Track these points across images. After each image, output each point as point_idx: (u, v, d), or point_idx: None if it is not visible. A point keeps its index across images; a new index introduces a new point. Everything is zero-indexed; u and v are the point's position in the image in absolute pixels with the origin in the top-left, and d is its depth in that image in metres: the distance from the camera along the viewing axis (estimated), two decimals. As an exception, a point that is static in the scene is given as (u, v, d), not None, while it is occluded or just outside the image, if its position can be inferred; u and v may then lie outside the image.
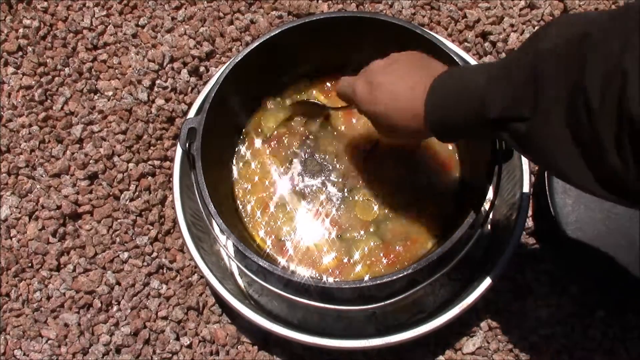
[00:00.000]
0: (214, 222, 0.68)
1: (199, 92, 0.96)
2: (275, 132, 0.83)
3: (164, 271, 0.88)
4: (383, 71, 0.61)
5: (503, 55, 0.97)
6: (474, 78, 0.51)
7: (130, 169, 0.93)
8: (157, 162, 0.94)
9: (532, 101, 0.45)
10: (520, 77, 0.46)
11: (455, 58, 0.71)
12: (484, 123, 0.50)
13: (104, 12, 1.04)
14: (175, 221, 0.89)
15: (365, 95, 0.61)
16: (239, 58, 0.75)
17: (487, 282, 0.75)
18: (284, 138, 0.83)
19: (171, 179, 0.87)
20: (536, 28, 0.99)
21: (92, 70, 1.00)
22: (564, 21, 0.46)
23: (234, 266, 0.86)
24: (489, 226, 0.85)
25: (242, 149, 0.84)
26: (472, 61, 0.88)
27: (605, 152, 0.39)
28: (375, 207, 0.77)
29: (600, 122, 0.38)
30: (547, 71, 0.43)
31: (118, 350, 0.83)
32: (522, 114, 0.46)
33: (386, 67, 0.61)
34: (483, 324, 0.82)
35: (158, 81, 0.97)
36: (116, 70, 1.00)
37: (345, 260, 0.75)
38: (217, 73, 0.86)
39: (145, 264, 0.88)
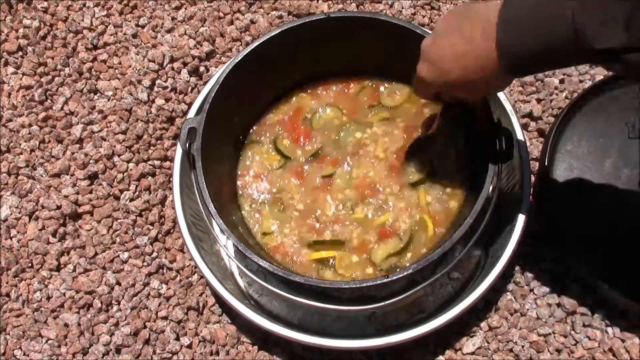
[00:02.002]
0: (214, 222, 0.68)
1: (199, 92, 0.96)
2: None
3: (164, 271, 0.88)
4: (434, 44, 0.60)
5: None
6: (556, 4, 0.49)
7: (130, 169, 0.93)
8: (157, 162, 0.94)
9: None
10: (629, 5, 0.44)
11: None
12: (580, 54, 0.48)
13: (104, 12, 1.04)
14: (175, 221, 0.89)
15: (433, 74, 0.61)
16: (239, 58, 0.75)
17: (487, 282, 0.75)
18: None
19: (171, 179, 0.87)
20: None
21: (92, 70, 1.00)
22: None
23: (234, 266, 0.86)
24: (489, 226, 0.85)
25: (243, 148, 0.84)
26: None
27: None
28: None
29: None
30: None
31: (118, 350, 0.83)
32: None
33: (435, 40, 0.61)
34: (483, 324, 0.82)
35: (158, 81, 0.97)
36: (116, 70, 1.00)
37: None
38: (217, 73, 0.86)
39: (145, 264, 0.88)
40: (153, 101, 0.97)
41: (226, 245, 0.81)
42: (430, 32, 0.74)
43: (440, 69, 0.60)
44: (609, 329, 0.81)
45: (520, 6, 0.52)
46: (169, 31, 1.02)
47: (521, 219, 0.78)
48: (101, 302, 0.85)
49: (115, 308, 0.85)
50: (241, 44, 1.01)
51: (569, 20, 0.47)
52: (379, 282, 0.64)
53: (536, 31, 0.50)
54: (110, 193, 0.91)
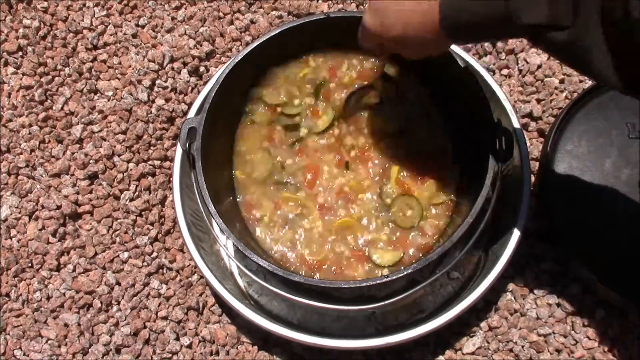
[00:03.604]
0: (214, 222, 0.68)
1: (199, 92, 0.96)
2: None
3: (164, 271, 0.88)
4: None
5: (503, 55, 0.97)
6: None
7: (130, 169, 0.93)
8: (157, 162, 0.94)
9: (571, 10, 0.47)
10: None
11: (454, 57, 0.71)
12: (511, 27, 0.51)
13: (104, 12, 1.04)
14: (175, 221, 0.89)
15: (377, 25, 0.62)
16: (239, 58, 0.75)
17: (487, 282, 0.75)
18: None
19: (171, 179, 0.87)
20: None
21: (92, 70, 1.00)
22: None
23: (234, 266, 0.86)
24: (489, 225, 0.85)
25: (243, 148, 0.84)
26: (472, 61, 0.88)
27: (637, 56, 0.43)
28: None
29: (637, 29, 0.42)
30: None
31: (118, 350, 0.83)
32: (562, 23, 0.48)
33: None
34: (483, 324, 0.82)
35: (158, 81, 0.98)
36: (116, 70, 1.00)
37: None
38: (217, 73, 0.86)
39: (145, 264, 0.88)
40: (153, 101, 0.97)
41: (226, 245, 0.81)
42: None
43: (384, 23, 0.61)
44: (609, 329, 0.81)
45: None
46: (169, 31, 1.02)
47: (521, 219, 0.78)
48: (101, 302, 0.85)
49: (115, 308, 0.85)
50: (241, 44, 1.01)
51: None
52: (378, 281, 0.64)
53: (474, 2, 0.53)
54: (110, 193, 0.91)
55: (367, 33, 0.64)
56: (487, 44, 0.97)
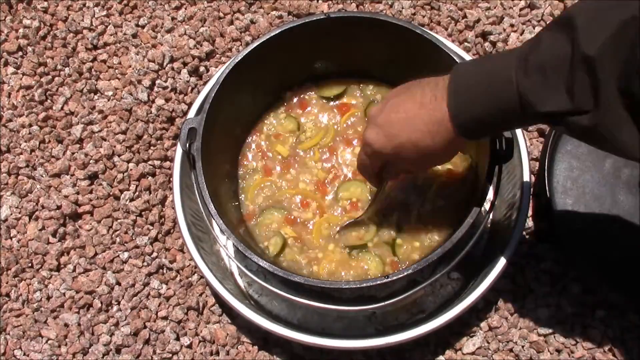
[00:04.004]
0: (214, 222, 0.68)
1: (199, 92, 0.96)
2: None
3: (164, 271, 0.88)
4: (383, 110, 0.61)
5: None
6: (501, 70, 0.51)
7: (130, 169, 0.93)
8: (157, 162, 0.94)
9: (591, 94, 0.45)
10: (568, 70, 0.46)
11: (455, 58, 0.71)
12: (527, 117, 0.50)
13: (104, 12, 1.04)
14: (175, 221, 0.89)
15: (381, 138, 0.60)
16: (239, 58, 0.75)
17: (487, 282, 0.75)
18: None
19: (171, 179, 0.87)
20: (536, 29, 0.99)
21: (92, 70, 1.00)
22: (597, 8, 0.46)
23: (234, 266, 0.86)
24: (489, 226, 0.85)
25: (243, 148, 0.84)
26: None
27: None
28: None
29: None
30: (603, 64, 0.44)
31: (118, 350, 0.83)
32: (584, 108, 0.46)
33: (384, 106, 0.61)
34: (483, 324, 0.82)
35: (158, 81, 0.97)
36: (116, 70, 1.00)
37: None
38: (217, 73, 0.86)
39: (145, 264, 0.88)
40: (153, 101, 0.97)
41: (226, 245, 0.81)
42: (430, 32, 0.75)
43: (389, 133, 0.59)
44: (609, 329, 0.81)
45: (468, 73, 0.54)
46: (169, 31, 1.02)
47: (521, 219, 0.78)
48: (101, 302, 0.85)
49: (115, 308, 0.85)
50: (241, 44, 1.01)
51: (513, 86, 0.49)
52: (379, 282, 0.64)
53: (484, 97, 0.52)
54: (110, 193, 0.91)
55: (372, 149, 0.62)
56: (487, 44, 0.97)
